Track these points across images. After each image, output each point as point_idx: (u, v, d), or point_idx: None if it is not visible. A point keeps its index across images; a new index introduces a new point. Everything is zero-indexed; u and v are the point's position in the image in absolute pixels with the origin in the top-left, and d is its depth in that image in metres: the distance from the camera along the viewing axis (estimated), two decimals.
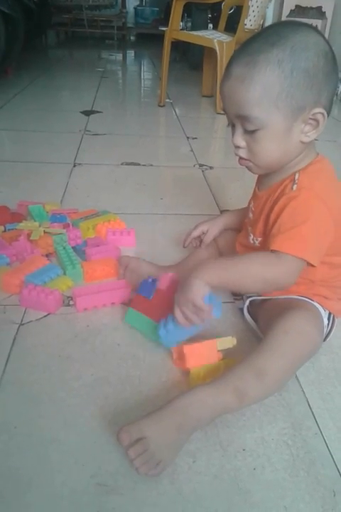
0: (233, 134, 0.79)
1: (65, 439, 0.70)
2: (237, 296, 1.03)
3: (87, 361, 0.85)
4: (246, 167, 0.83)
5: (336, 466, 0.68)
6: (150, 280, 0.94)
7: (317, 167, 0.81)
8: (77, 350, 0.88)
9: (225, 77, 0.76)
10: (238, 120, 0.77)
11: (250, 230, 0.90)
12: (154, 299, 0.91)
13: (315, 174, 0.80)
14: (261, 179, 0.88)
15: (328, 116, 0.75)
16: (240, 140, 0.78)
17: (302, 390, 0.81)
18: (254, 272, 0.78)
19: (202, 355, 0.82)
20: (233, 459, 0.68)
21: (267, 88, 0.71)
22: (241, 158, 0.81)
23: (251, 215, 0.91)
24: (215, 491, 0.64)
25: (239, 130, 0.78)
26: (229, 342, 0.84)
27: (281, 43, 0.70)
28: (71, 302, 1.00)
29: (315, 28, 0.75)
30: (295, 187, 0.77)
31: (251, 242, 0.89)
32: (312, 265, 0.76)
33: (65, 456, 0.67)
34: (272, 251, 0.76)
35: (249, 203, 0.94)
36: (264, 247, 0.83)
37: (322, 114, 0.74)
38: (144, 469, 0.63)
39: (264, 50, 0.71)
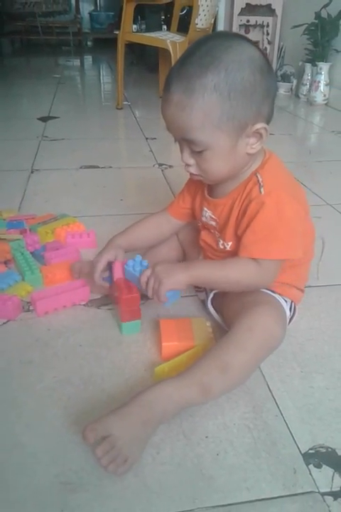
0: (181, 152, 0.80)
1: (27, 443, 0.69)
2: (199, 288, 1.04)
3: (49, 364, 0.85)
4: (199, 180, 0.85)
5: (296, 444, 0.70)
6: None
7: (273, 163, 0.83)
8: (39, 354, 0.87)
9: (165, 101, 0.76)
10: (184, 142, 0.78)
11: (218, 235, 0.91)
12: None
13: (275, 171, 0.82)
14: (214, 186, 0.89)
15: (271, 120, 0.78)
16: (188, 158, 0.79)
17: (263, 375, 0.83)
18: (237, 278, 0.82)
19: (177, 332, 0.87)
20: (196, 447, 0.69)
21: (208, 113, 0.72)
22: (192, 173, 0.83)
23: (213, 223, 0.90)
24: (179, 480, 0.64)
25: (186, 150, 0.79)
26: (203, 324, 0.89)
27: (215, 66, 0.70)
28: (31, 307, 0.99)
29: (248, 40, 0.75)
30: (262, 190, 0.78)
31: (221, 246, 0.90)
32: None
33: (28, 458, 0.67)
34: (252, 258, 0.79)
35: (201, 210, 0.93)
36: (236, 249, 0.85)
37: (265, 128, 0.76)
38: (112, 468, 0.63)
39: (200, 75, 0.70)
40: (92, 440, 0.63)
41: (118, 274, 0.93)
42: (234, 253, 0.86)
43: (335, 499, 0.63)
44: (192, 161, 0.79)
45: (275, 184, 0.79)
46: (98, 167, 1.91)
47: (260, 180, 0.79)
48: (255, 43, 0.76)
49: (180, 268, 0.82)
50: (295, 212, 0.79)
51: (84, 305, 1.01)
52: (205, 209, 0.91)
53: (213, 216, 0.90)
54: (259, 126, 0.75)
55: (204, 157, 0.77)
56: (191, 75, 0.71)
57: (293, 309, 0.90)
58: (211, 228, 0.93)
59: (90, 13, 7.37)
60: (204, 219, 0.93)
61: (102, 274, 0.96)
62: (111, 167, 1.92)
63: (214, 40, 0.74)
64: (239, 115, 0.73)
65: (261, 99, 0.74)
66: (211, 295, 0.94)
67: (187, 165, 0.81)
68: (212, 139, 0.74)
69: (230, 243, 0.87)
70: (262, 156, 0.84)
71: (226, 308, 0.90)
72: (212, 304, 0.94)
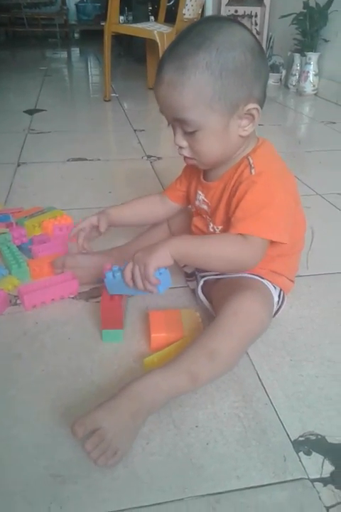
0: (174, 135, 0.80)
1: (16, 436, 0.69)
2: (190, 277, 1.04)
3: (38, 357, 0.84)
4: (193, 165, 0.85)
5: (286, 432, 0.70)
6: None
7: (266, 149, 0.83)
8: (27, 348, 0.86)
9: (158, 82, 0.76)
10: (176, 123, 0.78)
11: (209, 219, 0.91)
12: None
13: (267, 156, 0.82)
14: (209, 171, 0.89)
15: (263, 105, 0.78)
16: (181, 140, 0.79)
17: (252, 364, 0.83)
18: (222, 253, 0.79)
19: (166, 324, 0.87)
20: (186, 437, 0.69)
21: (199, 92, 0.72)
22: (185, 157, 0.82)
23: (205, 206, 0.91)
24: (169, 469, 0.64)
25: (179, 131, 0.79)
26: (192, 315, 0.89)
27: (207, 45, 0.71)
28: (18, 301, 0.98)
29: (239, 23, 0.76)
30: (253, 171, 0.78)
31: (211, 230, 0.90)
32: (283, 243, 0.79)
33: (17, 452, 0.66)
34: (239, 234, 0.77)
35: (196, 194, 0.94)
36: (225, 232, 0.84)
37: (257, 109, 0.75)
38: (102, 460, 0.62)
39: (191, 54, 0.71)
40: (81, 435, 0.63)
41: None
42: None
43: (325, 485, 0.63)
44: (184, 143, 0.79)
45: (267, 167, 0.79)
46: (86, 159, 1.90)
47: (251, 162, 0.79)
48: (246, 27, 0.76)
49: (161, 243, 0.77)
50: (284, 201, 0.78)
51: (72, 298, 1.00)
52: (199, 192, 0.92)
53: (205, 199, 0.90)
54: (251, 106, 0.75)
55: (197, 138, 0.77)
56: (183, 54, 0.72)
57: (281, 297, 0.90)
58: (203, 212, 0.93)
59: (76, 5, 7.29)
60: (197, 203, 0.93)
61: (82, 234, 0.96)
62: (99, 159, 1.91)
63: (205, 23, 0.75)
64: (231, 95, 0.73)
65: (253, 79, 0.74)
66: (201, 282, 0.94)
67: (180, 147, 0.80)
68: (204, 118, 0.74)
69: (220, 227, 0.87)
70: (255, 142, 0.84)
71: (215, 295, 0.90)
72: (202, 291, 0.94)
